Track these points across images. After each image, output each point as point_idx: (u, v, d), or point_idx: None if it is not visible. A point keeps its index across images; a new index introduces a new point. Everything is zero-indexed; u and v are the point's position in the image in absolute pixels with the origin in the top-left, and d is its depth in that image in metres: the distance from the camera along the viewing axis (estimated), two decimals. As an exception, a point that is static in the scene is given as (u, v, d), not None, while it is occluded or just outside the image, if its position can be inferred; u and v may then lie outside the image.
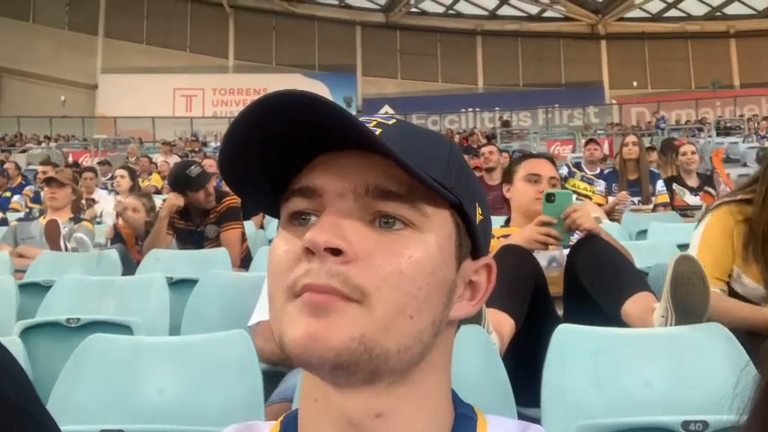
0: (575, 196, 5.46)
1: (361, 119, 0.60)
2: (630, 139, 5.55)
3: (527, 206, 2.45)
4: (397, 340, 0.55)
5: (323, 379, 0.57)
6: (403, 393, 0.58)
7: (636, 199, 5.26)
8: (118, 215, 4.75)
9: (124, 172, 5.84)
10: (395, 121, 0.62)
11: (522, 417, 1.70)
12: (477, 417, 0.64)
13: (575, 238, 2.20)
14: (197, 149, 15.44)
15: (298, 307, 0.55)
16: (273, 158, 0.59)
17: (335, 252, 0.54)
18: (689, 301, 1.67)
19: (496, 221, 3.90)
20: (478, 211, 0.63)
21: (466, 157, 8.73)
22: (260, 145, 0.57)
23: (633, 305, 1.86)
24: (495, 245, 2.31)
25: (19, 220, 4.83)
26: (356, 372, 0.55)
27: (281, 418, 0.66)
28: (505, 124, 20.51)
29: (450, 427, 0.61)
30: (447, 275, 0.59)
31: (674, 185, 5.40)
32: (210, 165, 7.15)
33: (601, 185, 5.48)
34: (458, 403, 0.64)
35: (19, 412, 0.67)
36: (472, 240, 0.63)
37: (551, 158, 2.92)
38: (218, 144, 17.50)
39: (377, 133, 0.58)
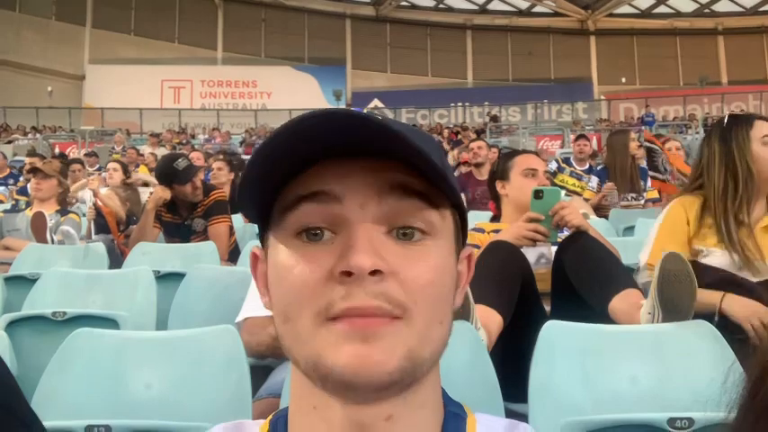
0: (563, 193, 5.50)
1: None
2: (633, 135, 5.69)
3: (527, 200, 2.46)
4: (431, 347, 0.57)
5: (353, 400, 0.56)
6: (414, 394, 0.58)
7: (630, 195, 5.29)
8: (95, 194, 4.72)
9: (117, 165, 5.79)
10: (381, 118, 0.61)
11: (509, 412, 1.70)
12: (467, 415, 0.64)
13: (563, 234, 2.21)
14: (185, 142, 15.35)
15: (339, 332, 0.54)
16: (275, 164, 0.57)
17: (374, 272, 0.54)
18: (676, 299, 1.68)
19: (485, 216, 3.91)
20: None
21: (455, 151, 8.76)
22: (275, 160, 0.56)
23: (620, 302, 1.87)
24: (486, 239, 2.31)
25: (5, 211, 4.79)
26: (398, 386, 0.55)
27: (270, 417, 0.65)
28: (494, 119, 20.52)
29: (440, 423, 0.62)
30: (455, 274, 0.61)
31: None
32: (198, 158, 7.12)
33: (593, 181, 5.50)
34: (447, 401, 0.64)
35: (1, 410, 0.65)
36: (463, 233, 0.65)
37: (538, 154, 2.94)
38: (207, 136, 17.27)
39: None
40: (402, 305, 0.54)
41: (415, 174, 0.56)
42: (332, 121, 0.53)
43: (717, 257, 2.10)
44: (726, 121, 2.28)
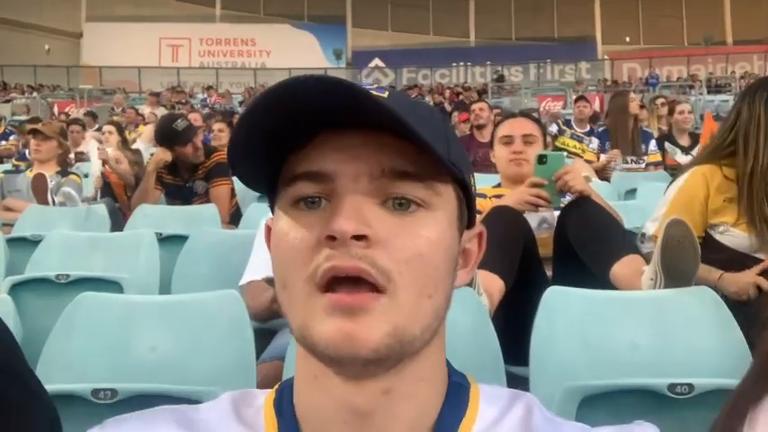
0: (565, 155, 5.48)
1: None
2: (633, 95, 5.59)
3: (503, 169, 2.51)
4: (421, 322, 0.56)
5: (343, 374, 0.57)
6: (411, 368, 0.59)
7: (630, 158, 5.26)
8: (104, 163, 4.72)
9: (112, 128, 5.80)
10: (387, 93, 0.60)
11: (510, 375, 1.72)
12: (471, 385, 0.64)
13: (566, 200, 2.20)
14: (184, 101, 15.22)
15: (325, 305, 0.54)
16: (271, 137, 0.57)
17: (359, 237, 0.54)
18: (678, 265, 1.68)
19: (486, 179, 3.89)
20: (472, 181, 0.65)
21: (456, 113, 8.69)
22: (264, 131, 0.56)
23: (622, 268, 1.87)
24: (487, 205, 2.31)
25: (5, 172, 4.79)
26: (386, 362, 0.55)
27: (277, 386, 0.66)
28: (500, 79, 20.28)
29: (443, 395, 0.62)
30: (455, 250, 0.61)
31: (666, 144, 5.40)
32: (196, 119, 7.07)
33: (594, 143, 5.48)
34: (452, 372, 0.65)
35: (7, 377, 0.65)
36: (469, 211, 0.64)
37: (529, 115, 2.89)
38: (205, 96, 17.06)
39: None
40: (387, 273, 0.54)
41: (410, 147, 0.56)
42: (316, 85, 0.53)
43: (733, 237, 1.99)
44: None
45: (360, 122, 0.56)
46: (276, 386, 0.66)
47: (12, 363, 0.69)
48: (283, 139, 0.58)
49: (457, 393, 0.63)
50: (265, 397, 0.65)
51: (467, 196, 0.63)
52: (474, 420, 0.61)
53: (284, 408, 0.62)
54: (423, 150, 0.55)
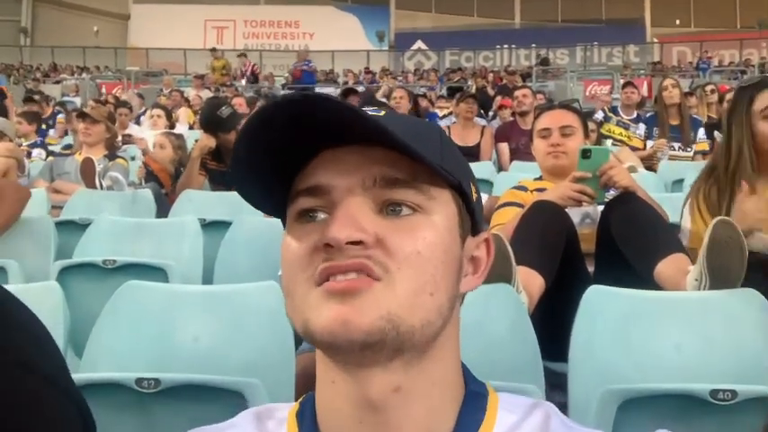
0: (610, 142, 5.37)
1: None
2: (669, 81, 5.38)
3: (542, 162, 2.50)
4: (420, 316, 0.58)
5: (346, 362, 0.59)
6: (420, 368, 0.60)
7: (676, 145, 5.13)
8: (143, 152, 4.79)
9: (160, 111, 5.91)
10: (384, 112, 0.63)
11: (548, 371, 1.70)
12: (489, 394, 0.66)
13: (610, 194, 2.16)
14: (228, 83, 15.28)
15: (321, 294, 0.57)
16: (275, 160, 0.61)
17: (355, 243, 0.56)
18: (725, 266, 1.63)
19: (528, 168, 3.84)
20: (473, 189, 0.67)
21: (498, 97, 8.60)
22: (265, 151, 0.60)
23: (667, 266, 1.82)
24: (529, 198, 2.28)
25: (54, 155, 4.91)
26: (383, 349, 0.57)
27: (301, 398, 0.68)
28: (544, 62, 19.88)
29: (460, 402, 0.64)
30: (456, 253, 0.63)
31: (716, 133, 5.24)
32: (240, 104, 7.13)
33: (640, 129, 5.35)
34: (470, 380, 0.66)
35: (16, 366, 0.67)
36: (471, 218, 0.66)
37: (569, 106, 2.82)
38: (237, 66, 16.41)
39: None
40: (384, 266, 0.57)
41: (402, 157, 0.58)
42: (301, 107, 0.56)
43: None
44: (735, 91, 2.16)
45: (356, 140, 0.59)
46: (300, 399, 0.68)
47: (40, 363, 0.71)
48: (287, 159, 0.61)
49: (474, 401, 0.64)
50: (288, 410, 0.68)
51: (467, 204, 0.65)
52: (492, 428, 0.62)
53: (306, 417, 0.65)
54: (414, 159, 0.58)
